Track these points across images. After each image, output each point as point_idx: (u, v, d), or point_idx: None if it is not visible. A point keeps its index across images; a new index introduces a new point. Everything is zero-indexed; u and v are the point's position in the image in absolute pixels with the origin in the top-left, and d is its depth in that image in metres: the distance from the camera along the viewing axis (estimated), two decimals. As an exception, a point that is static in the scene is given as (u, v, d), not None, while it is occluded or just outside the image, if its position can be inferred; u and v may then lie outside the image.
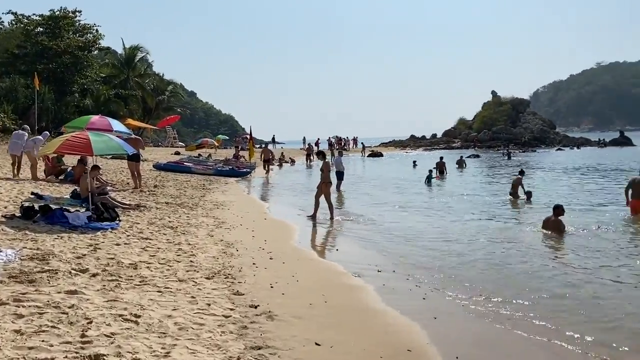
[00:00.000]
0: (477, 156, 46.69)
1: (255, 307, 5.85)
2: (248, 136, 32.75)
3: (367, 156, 49.86)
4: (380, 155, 50.54)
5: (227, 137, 69.44)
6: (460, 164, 33.38)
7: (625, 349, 5.27)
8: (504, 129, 66.42)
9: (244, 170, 27.12)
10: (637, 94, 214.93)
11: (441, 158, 28.85)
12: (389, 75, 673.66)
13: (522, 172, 17.80)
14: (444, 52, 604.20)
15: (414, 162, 35.26)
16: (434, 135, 79.38)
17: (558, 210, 11.25)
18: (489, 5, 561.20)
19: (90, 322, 4.75)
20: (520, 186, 16.86)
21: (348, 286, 7.32)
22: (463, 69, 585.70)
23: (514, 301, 6.71)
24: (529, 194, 16.50)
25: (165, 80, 53.60)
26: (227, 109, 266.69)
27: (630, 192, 13.29)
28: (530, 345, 5.43)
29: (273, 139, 65.91)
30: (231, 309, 5.72)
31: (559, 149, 55.62)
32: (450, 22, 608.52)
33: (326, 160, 13.86)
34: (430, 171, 24.05)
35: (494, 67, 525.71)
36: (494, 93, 76.40)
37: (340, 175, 20.42)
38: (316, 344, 4.95)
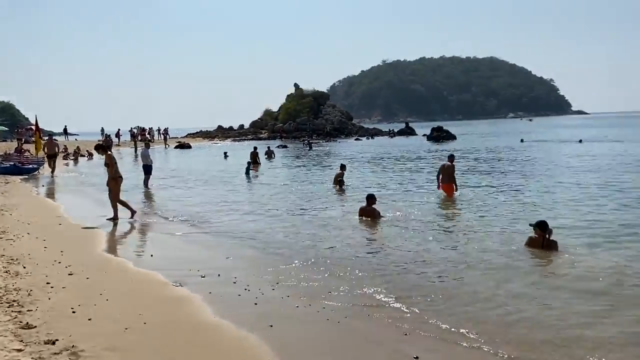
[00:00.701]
0: (285, 146, 47.80)
1: (53, 343, 4.66)
2: (33, 127, 28.49)
3: (175, 147, 47.54)
4: (189, 146, 48.65)
5: (7, 129, 61.23)
6: (269, 154, 33.71)
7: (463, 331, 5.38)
8: (307, 120, 69.31)
9: (30, 166, 23.48)
10: (416, 89, 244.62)
11: (255, 148, 28.80)
12: (195, 66, 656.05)
13: (343, 167, 18.28)
14: (250, 43, 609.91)
15: (225, 153, 34.62)
16: (242, 126, 79.51)
17: (371, 199, 11.66)
18: (289, 5, 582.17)
19: None
20: (341, 179, 17.45)
21: (171, 299, 6.39)
22: (268, 62, 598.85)
23: (350, 295, 6.54)
24: (341, 182, 17.14)
25: None
26: (5, 95, 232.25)
27: (440, 177, 14.89)
28: (368, 344, 5.23)
29: (65, 130, 59.27)
30: (19, 350, 4.46)
31: (357, 139, 59.90)
32: (252, 18, 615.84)
33: (108, 152, 12.36)
34: (249, 163, 23.78)
35: (296, 61, 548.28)
36: (296, 85, 79.11)
37: (147, 169, 18.78)
38: (139, 382, 4.04)
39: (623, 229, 10.10)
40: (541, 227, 8.43)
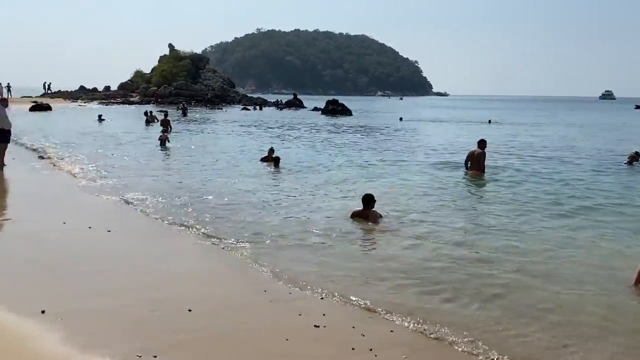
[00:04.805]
0: (166, 112, 42.65)
1: None
2: None
3: (30, 110, 39.22)
4: (48, 108, 40.77)
5: None
6: (153, 119, 30.71)
7: None
8: (184, 85, 63.33)
9: None
10: (290, 61, 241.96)
11: (165, 114, 27.46)
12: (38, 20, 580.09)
13: (272, 151, 15.46)
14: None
15: (100, 116, 29.79)
16: (108, 88, 70.96)
17: (371, 201, 8.48)
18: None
19: None
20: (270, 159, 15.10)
21: None
22: (137, 20, 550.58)
23: None
24: (276, 160, 14.72)
25: None
26: None
27: (469, 163, 13.90)
28: None
29: None
30: None
31: (244, 109, 55.31)
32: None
33: None
34: (164, 134, 20.77)
35: (170, 20, 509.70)
36: (171, 46, 72.13)
37: (4, 135, 13.53)
38: None
39: None
40: None
